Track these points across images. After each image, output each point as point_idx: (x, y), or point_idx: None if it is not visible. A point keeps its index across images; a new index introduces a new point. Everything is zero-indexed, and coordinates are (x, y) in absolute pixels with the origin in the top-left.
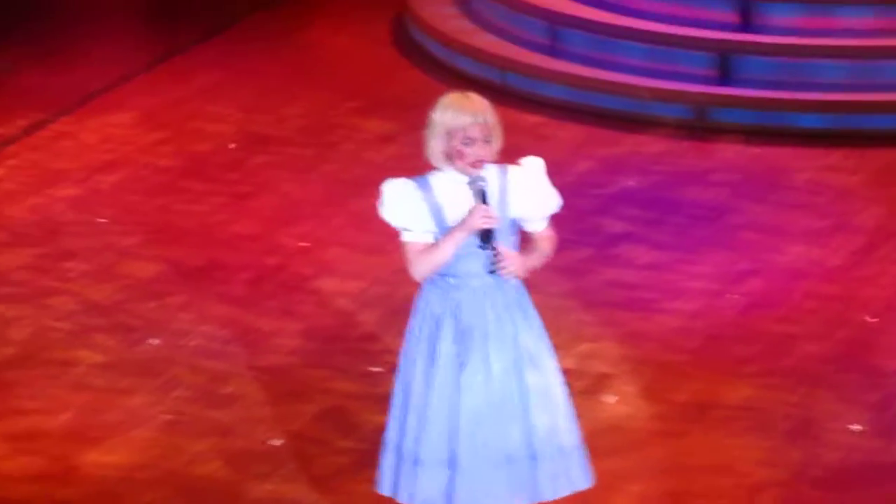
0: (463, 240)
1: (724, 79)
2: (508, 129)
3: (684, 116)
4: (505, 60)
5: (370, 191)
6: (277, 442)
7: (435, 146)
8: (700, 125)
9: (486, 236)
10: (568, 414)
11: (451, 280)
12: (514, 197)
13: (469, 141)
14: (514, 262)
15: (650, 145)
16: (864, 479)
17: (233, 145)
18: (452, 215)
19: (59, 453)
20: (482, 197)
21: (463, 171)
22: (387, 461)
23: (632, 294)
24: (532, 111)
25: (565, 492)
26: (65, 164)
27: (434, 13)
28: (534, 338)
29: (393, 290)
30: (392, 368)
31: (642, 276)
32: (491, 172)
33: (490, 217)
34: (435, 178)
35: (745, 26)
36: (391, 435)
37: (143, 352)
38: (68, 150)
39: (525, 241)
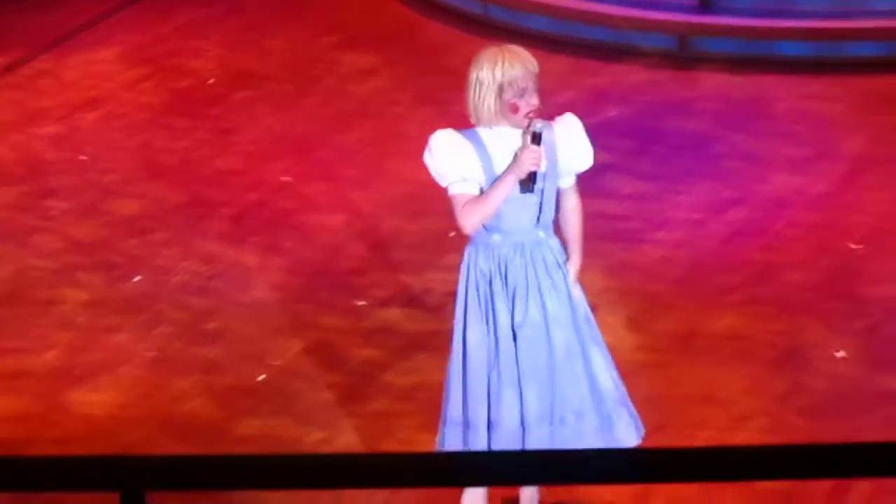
0: (513, 184)
1: (706, 8)
2: None
3: (666, 46)
4: None
5: (353, 124)
6: (263, 377)
7: (486, 104)
8: (682, 55)
9: (530, 181)
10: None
11: (496, 236)
12: (561, 149)
13: (522, 92)
14: (574, 274)
15: (633, 75)
16: (850, 407)
17: (212, 80)
18: (501, 167)
19: (44, 392)
20: (536, 139)
21: (516, 124)
22: (451, 436)
23: (615, 225)
24: (514, 43)
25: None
26: (45, 102)
27: None
28: (562, 301)
29: (377, 223)
30: (377, 302)
31: (625, 206)
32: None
33: (539, 159)
34: (483, 131)
35: None
36: (453, 410)
37: (126, 289)
38: (48, 87)
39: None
